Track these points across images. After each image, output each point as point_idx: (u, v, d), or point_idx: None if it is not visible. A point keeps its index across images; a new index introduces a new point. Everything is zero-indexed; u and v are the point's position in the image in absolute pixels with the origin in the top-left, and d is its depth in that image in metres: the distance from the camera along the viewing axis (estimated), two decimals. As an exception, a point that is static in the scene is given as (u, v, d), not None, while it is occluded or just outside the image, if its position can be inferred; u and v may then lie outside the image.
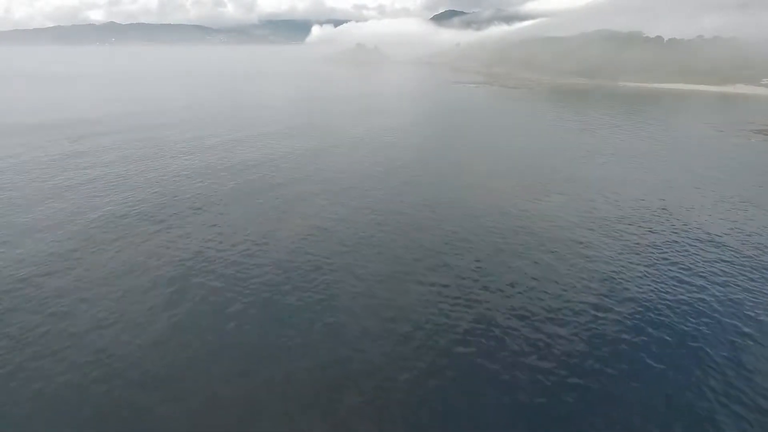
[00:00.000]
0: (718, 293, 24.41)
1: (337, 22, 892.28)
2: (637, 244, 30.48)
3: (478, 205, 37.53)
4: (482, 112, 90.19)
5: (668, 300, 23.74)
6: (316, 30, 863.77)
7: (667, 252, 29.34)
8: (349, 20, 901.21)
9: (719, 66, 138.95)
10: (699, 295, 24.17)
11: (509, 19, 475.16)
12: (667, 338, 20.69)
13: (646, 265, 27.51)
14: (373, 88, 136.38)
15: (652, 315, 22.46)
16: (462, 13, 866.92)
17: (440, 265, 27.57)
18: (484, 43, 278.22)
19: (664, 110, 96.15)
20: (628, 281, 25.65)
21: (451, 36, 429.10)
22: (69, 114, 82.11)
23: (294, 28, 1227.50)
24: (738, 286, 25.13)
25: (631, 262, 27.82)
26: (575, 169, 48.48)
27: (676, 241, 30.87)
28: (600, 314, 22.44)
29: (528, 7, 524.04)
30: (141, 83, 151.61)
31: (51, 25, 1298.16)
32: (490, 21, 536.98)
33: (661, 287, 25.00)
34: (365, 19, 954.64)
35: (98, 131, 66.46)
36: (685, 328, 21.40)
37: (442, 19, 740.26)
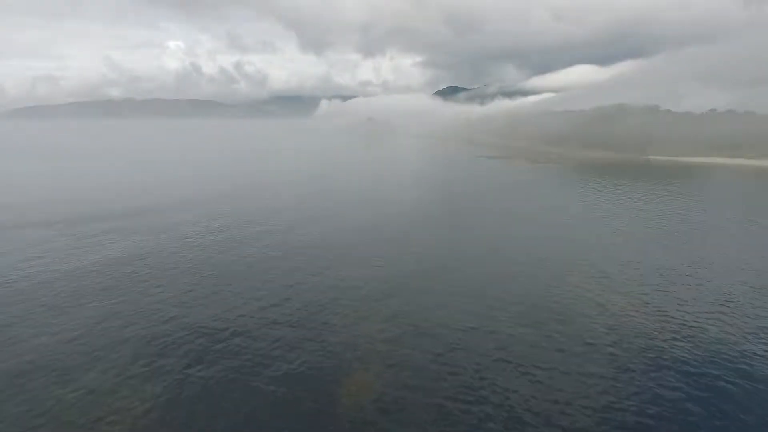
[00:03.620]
0: None
1: (343, 98, 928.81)
2: None
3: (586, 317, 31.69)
4: (529, 192, 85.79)
5: None
6: (324, 104, 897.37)
7: None
8: (355, 96, 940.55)
9: (748, 139, 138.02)
10: None
11: (513, 94, 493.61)
12: None
13: None
14: (403, 166, 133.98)
15: None
16: (463, 89, 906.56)
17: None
18: (496, 117, 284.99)
19: (726, 188, 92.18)
20: None
21: (457, 110, 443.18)
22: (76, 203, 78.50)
23: (302, 103, 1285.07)
24: None
25: None
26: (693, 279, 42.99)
27: None
28: None
29: (533, 83, 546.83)
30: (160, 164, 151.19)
31: (72, 101, 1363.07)
32: (493, 96, 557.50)
33: None
34: (371, 95, 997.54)
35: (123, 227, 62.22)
36: None
37: (445, 94, 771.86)
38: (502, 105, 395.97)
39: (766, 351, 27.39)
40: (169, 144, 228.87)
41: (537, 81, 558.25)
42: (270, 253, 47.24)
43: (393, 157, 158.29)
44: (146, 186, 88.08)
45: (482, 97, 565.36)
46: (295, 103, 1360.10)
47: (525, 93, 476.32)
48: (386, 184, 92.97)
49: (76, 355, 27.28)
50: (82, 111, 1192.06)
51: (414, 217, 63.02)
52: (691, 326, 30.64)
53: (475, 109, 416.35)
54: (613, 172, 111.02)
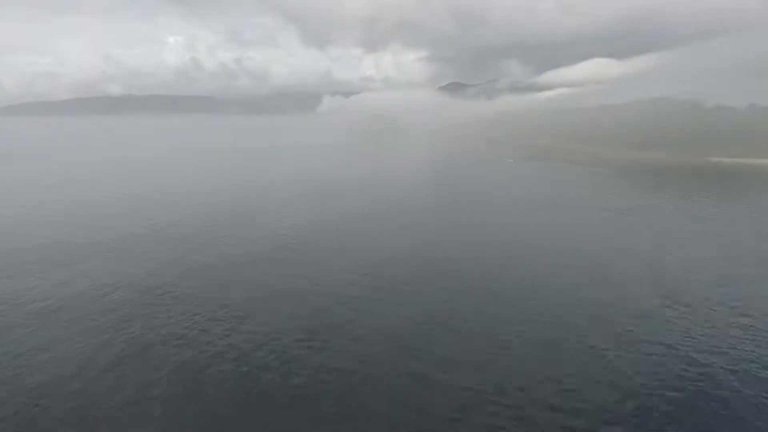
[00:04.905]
0: None
1: (345, 94, 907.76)
2: None
3: None
4: (594, 209, 69.01)
5: None
6: (326, 100, 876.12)
7: None
8: (356, 91, 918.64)
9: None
10: None
11: (523, 89, 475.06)
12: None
13: None
14: (427, 171, 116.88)
15: None
16: (466, 84, 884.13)
17: None
18: (513, 113, 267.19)
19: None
20: None
21: (467, 106, 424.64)
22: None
23: (304, 99, 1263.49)
24: None
25: None
26: None
27: None
28: None
29: (545, 78, 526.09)
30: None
31: (71, 97, 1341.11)
32: (501, 91, 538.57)
33: None
34: (373, 91, 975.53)
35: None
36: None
37: (450, 90, 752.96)
38: (514, 100, 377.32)
39: None
40: (168, 146, 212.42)
41: (549, 76, 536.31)
42: (290, 272, 41.10)
43: (411, 159, 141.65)
44: (143, 200, 72.37)
45: (490, 93, 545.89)
46: (296, 99, 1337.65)
47: (536, 88, 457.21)
48: (413, 196, 76.36)
49: None
50: (82, 107, 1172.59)
51: (456, 241, 47.24)
52: None
53: (485, 106, 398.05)
54: (679, 177, 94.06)
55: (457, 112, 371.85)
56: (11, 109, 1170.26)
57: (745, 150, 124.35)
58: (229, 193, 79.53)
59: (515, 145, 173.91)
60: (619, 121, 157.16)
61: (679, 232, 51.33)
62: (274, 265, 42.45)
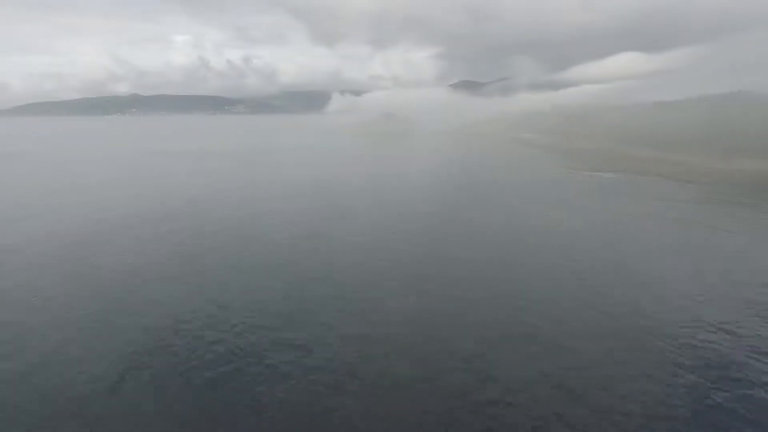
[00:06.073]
0: None
1: (355, 92, 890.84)
2: None
3: None
4: None
5: None
6: (336, 99, 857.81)
7: None
8: (365, 90, 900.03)
9: None
10: None
11: (544, 86, 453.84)
12: None
13: None
14: (479, 190, 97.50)
15: None
16: (480, 83, 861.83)
17: None
18: (540, 111, 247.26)
19: None
20: None
21: (482, 105, 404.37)
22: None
23: (312, 98, 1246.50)
24: None
25: None
26: None
27: None
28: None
29: (567, 75, 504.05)
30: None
31: (78, 97, 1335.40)
32: (517, 89, 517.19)
33: None
34: (382, 89, 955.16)
35: None
36: None
37: (463, 88, 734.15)
38: (535, 98, 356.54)
39: None
40: (176, 146, 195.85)
41: (572, 72, 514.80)
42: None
43: (445, 164, 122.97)
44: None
45: (505, 90, 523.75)
46: (305, 98, 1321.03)
47: (557, 86, 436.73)
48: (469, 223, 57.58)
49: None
50: (90, 107, 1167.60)
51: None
52: None
53: (503, 103, 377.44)
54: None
55: (475, 110, 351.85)
56: (19, 109, 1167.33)
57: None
58: (235, 195, 68.76)
59: (565, 150, 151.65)
60: (686, 120, 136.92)
61: None
62: (282, 268, 37.24)
